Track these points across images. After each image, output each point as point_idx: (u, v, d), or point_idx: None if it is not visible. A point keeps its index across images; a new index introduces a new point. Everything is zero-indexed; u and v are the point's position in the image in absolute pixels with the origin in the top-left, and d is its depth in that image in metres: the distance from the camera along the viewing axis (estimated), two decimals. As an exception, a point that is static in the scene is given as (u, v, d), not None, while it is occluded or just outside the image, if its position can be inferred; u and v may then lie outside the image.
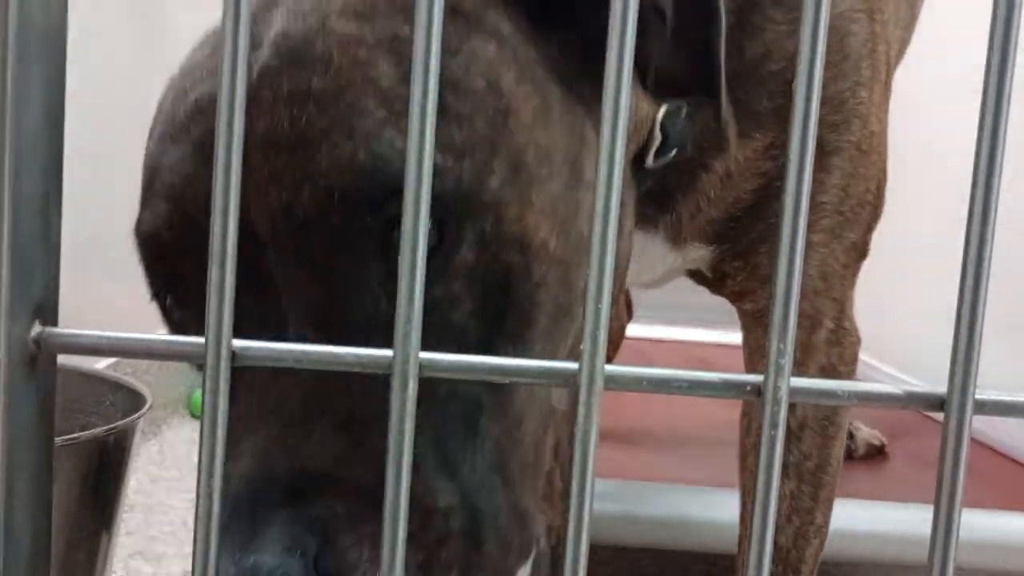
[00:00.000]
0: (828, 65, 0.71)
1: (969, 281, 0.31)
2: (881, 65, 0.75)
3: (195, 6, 1.86)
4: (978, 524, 1.06)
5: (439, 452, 0.46)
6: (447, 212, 0.47)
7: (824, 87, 0.71)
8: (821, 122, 0.72)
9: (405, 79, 0.47)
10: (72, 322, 0.37)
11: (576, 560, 0.33)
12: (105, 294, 1.58)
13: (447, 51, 0.48)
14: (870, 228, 0.78)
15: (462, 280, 0.48)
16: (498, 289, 0.48)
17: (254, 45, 0.49)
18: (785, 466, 0.78)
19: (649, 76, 0.55)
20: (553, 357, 0.51)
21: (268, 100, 0.47)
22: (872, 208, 0.78)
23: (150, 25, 1.72)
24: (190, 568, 1.30)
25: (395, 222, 0.46)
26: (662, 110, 0.66)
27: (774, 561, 0.78)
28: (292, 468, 0.44)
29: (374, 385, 0.44)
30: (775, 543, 0.78)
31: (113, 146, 1.61)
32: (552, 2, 0.53)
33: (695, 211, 0.73)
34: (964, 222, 0.32)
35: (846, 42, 0.72)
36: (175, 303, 0.52)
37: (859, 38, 0.73)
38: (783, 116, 0.71)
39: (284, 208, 0.46)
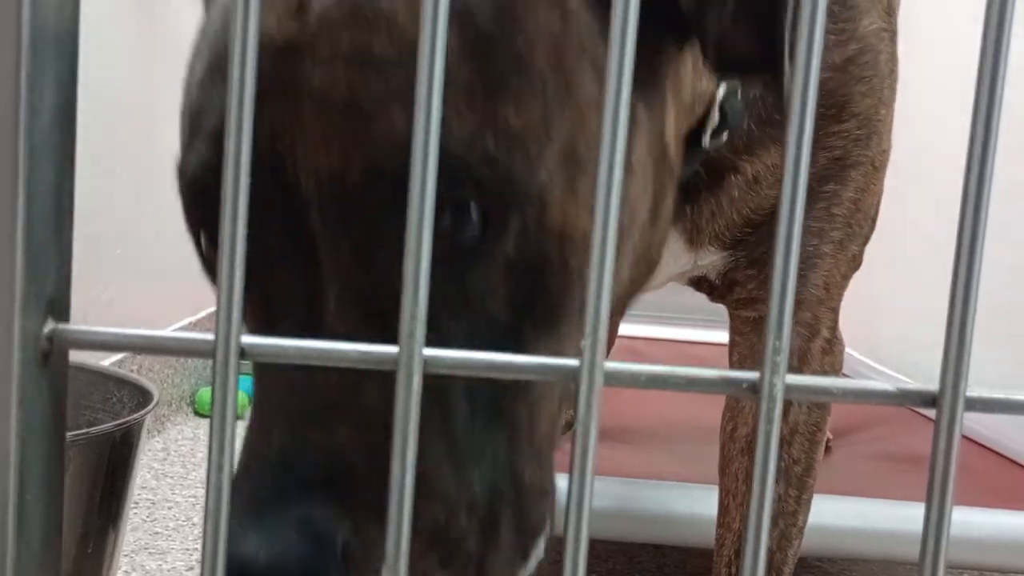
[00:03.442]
0: (862, 80, 0.72)
1: (960, 279, 0.32)
2: (896, 85, 0.77)
3: (200, 5, 1.87)
4: (970, 521, 1.07)
5: (456, 435, 0.46)
6: (494, 201, 0.46)
7: (856, 102, 0.72)
8: (848, 136, 0.73)
9: (470, 54, 0.45)
10: (77, 321, 0.37)
11: (576, 556, 0.33)
12: (109, 293, 1.58)
13: (515, 23, 0.46)
14: (867, 241, 0.80)
15: (500, 269, 0.47)
16: (534, 279, 0.48)
17: None
18: (775, 470, 0.81)
19: (708, 51, 0.53)
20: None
21: (326, 55, 0.46)
22: (872, 223, 0.79)
23: (153, 24, 1.73)
24: (194, 563, 1.30)
25: (443, 200, 0.44)
26: (721, 89, 0.64)
27: None
28: (321, 455, 0.44)
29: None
30: None
31: (116, 145, 1.62)
32: None
33: (716, 211, 0.73)
34: (957, 223, 0.32)
35: (877, 60, 0.73)
36: (210, 242, 0.51)
37: (884, 56, 0.74)
38: (818, 125, 0.71)
39: (333, 172, 0.45)
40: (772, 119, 0.70)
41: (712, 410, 1.45)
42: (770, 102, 0.69)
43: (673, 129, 0.57)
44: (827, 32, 0.70)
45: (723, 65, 0.55)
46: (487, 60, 0.46)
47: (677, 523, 1.07)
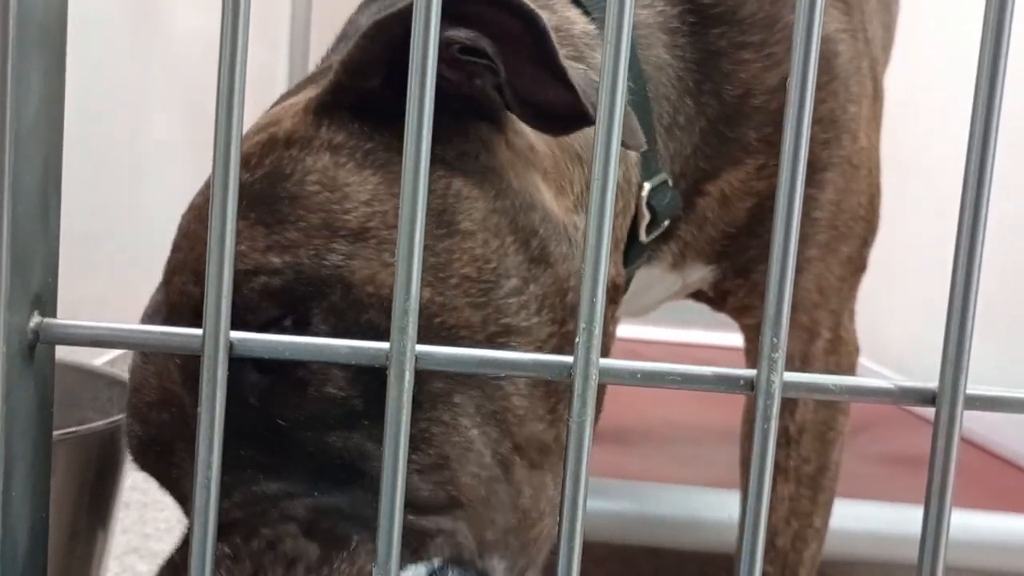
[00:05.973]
0: (817, 87, 0.73)
1: (960, 278, 0.32)
2: (867, 80, 0.77)
3: (192, 3, 1.87)
4: (969, 524, 1.07)
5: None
6: (288, 299, 0.50)
7: (814, 107, 0.73)
8: (812, 139, 0.74)
9: (251, 205, 0.51)
10: (68, 317, 0.37)
11: (570, 557, 0.33)
12: (100, 289, 1.58)
13: (283, 176, 0.52)
14: (866, 242, 0.80)
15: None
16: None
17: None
18: (785, 470, 0.81)
19: (526, 112, 0.56)
20: None
21: None
22: (866, 222, 0.79)
23: (147, 20, 1.72)
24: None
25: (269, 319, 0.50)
26: (647, 188, 0.68)
27: (773, 563, 0.80)
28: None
29: None
30: (774, 545, 0.80)
31: (109, 141, 1.61)
32: (374, 102, 0.55)
33: (696, 232, 0.76)
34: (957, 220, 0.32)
35: (833, 63, 0.74)
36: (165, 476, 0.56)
37: (844, 57, 0.75)
38: (772, 142, 0.73)
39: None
40: (726, 137, 0.72)
41: (711, 411, 1.45)
42: (721, 125, 0.71)
43: (553, 202, 0.60)
44: (753, 60, 0.72)
45: (545, 122, 0.57)
46: (262, 204, 0.52)
47: (674, 526, 1.07)
